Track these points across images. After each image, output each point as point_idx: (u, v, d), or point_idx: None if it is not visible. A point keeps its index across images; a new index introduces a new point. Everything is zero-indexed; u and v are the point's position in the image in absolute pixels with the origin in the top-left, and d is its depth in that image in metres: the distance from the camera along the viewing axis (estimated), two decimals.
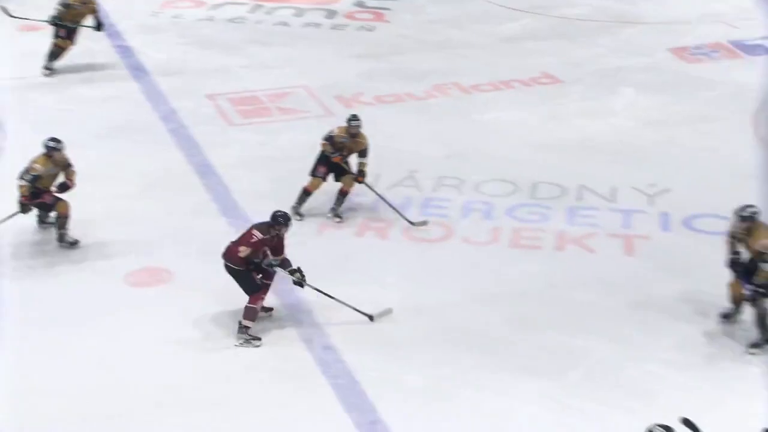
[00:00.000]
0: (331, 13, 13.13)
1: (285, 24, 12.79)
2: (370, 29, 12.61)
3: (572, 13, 12.82)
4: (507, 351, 6.59)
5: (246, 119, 10.13)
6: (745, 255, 6.46)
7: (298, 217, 7.99)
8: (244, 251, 6.60)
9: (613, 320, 6.78)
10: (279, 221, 6.73)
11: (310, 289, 6.81)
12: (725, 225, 7.67)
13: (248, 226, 6.91)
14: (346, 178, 8.12)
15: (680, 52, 11.35)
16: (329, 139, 8.08)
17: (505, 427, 5.92)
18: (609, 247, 7.66)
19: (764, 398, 5.89)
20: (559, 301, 7.02)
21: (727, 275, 6.71)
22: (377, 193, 8.19)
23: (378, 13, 13.14)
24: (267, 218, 6.76)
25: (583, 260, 7.54)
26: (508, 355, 6.54)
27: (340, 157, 8.07)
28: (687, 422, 4.53)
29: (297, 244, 7.14)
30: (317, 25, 12.75)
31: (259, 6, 13.33)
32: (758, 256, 6.20)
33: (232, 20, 12.83)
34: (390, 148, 9.45)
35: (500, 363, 6.46)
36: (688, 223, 7.90)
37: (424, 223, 8.04)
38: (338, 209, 8.18)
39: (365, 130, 9.96)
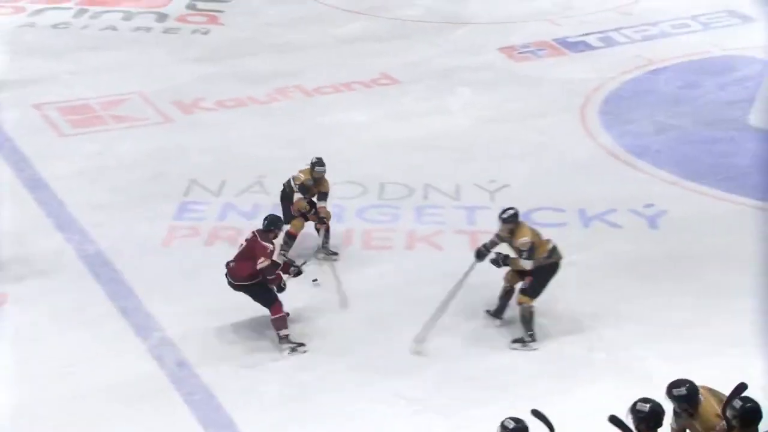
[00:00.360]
0: (162, 17, 12.72)
1: (113, 28, 12.29)
2: (205, 32, 12.33)
3: (407, 15, 13.06)
4: (365, 352, 6.60)
5: (78, 129, 9.63)
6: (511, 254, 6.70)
7: (296, 266, 7.06)
8: (264, 262, 6.41)
9: (464, 316, 6.93)
10: (278, 224, 6.65)
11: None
12: (562, 217, 8.11)
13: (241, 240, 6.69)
14: (296, 221, 7.52)
15: (509, 51, 11.82)
16: (303, 189, 7.52)
17: (364, 428, 5.92)
18: (456, 244, 7.85)
19: (609, 383, 6.19)
20: (413, 300, 7.11)
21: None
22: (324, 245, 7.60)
23: (211, 15, 12.87)
24: (112, 230, 6.44)
25: (432, 258, 7.68)
26: (366, 356, 6.56)
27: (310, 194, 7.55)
28: (537, 413, 4.71)
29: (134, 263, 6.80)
30: (148, 28, 12.32)
31: (84, 10, 12.71)
32: (519, 254, 6.60)
33: (55, 26, 12.20)
34: (235, 153, 9.30)
35: (359, 364, 6.47)
36: (527, 216, 8.15)
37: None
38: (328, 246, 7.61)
39: (208, 135, 9.71)
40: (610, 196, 8.35)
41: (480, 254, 6.81)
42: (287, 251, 7.54)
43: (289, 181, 7.65)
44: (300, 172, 7.62)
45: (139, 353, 6.49)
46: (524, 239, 6.57)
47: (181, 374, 6.31)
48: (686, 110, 10.04)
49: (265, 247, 6.49)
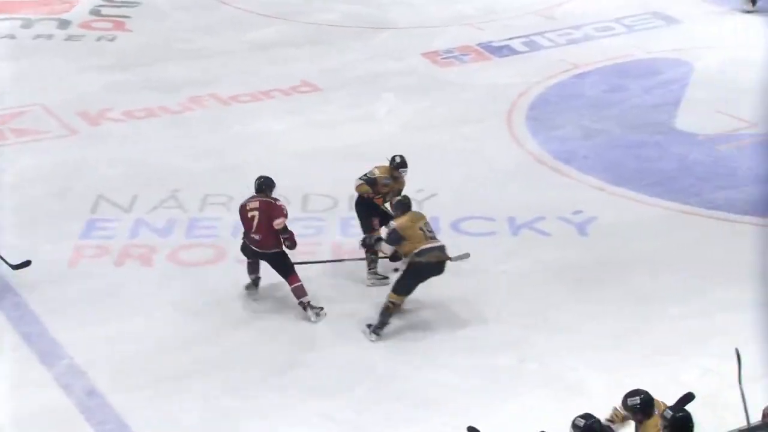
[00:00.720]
0: (64, 23, 12.44)
1: (11, 36, 11.98)
2: (111, 39, 12.11)
3: (324, 19, 13.08)
4: (293, 373, 6.55)
5: None
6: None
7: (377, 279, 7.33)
8: (281, 222, 6.80)
9: (394, 330, 6.94)
10: (273, 183, 6.98)
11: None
12: (491, 226, 8.21)
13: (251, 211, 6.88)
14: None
15: (432, 56, 11.94)
16: (371, 182, 7.42)
17: None
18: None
19: (541, 394, 6.28)
20: (340, 316, 7.09)
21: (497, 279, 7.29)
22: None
23: (118, 21, 12.65)
24: (14, 251, 6.22)
25: (360, 271, 7.66)
26: (293, 377, 6.50)
27: (381, 198, 7.47)
28: (472, 430, 4.77)
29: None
30: (49, 36, 12.04)
31: None
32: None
33: None
34: (146, 166, 9.14)
35: (284, 386, 6.41)
36: (456, 226, 8.29)
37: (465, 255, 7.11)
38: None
39: (116, 148, 9.51)
40: (538, 204, 8.49)
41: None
42: (375, 267, 7.39)
43: (372, 179, 7.39)
44: (375, 167, 7.50)
45: (44, 382, 6.31)
46: (392, 223, 6.77)
47: (91, 403, 6.16)
48: (612, 114, 10.31)
49: (281, 207, 6.91)
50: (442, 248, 6.83)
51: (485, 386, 6.42)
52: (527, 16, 12.98)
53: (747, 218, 8.30)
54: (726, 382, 5.29)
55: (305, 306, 6.96)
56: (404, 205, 6.90)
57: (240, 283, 7.35)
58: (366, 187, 7.44)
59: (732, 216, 8.36)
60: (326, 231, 8.20)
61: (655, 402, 4.96)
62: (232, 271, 7.58)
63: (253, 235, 6.92)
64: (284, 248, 6.92)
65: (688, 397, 4.94)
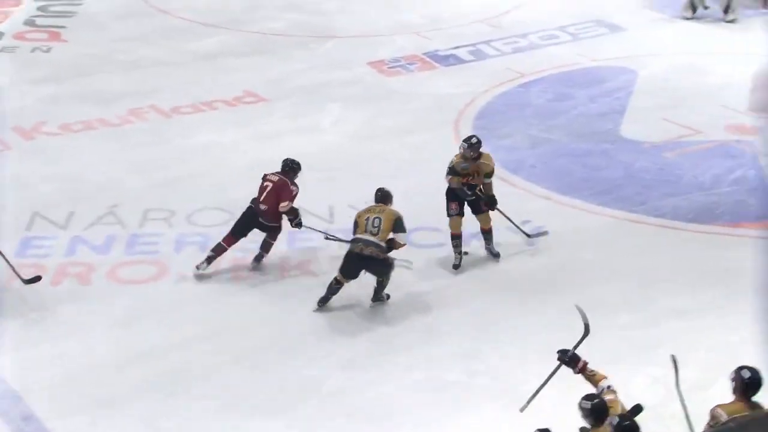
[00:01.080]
0: None
1: None
2: (46, 50, 11.91)
3: (269, 28, 13.04)
4: (235, 392, 6.49)
5: None
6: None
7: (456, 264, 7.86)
8: (286, 206, 7.55)
9: (341, 344, 6.93)
10: (299, 166, 7.74)
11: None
12: (439, 237, 8.25)
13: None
14: (481, 217, 7.92)
15: (378, 65, 11.99)
16: (451, 170, 7.87)
17: None
18: (332, 270, 7.80)
19: (492, 408, 6.33)
20: (285, 332, 7.06)
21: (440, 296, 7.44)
22: (509, 219, 8.10)
23: (53, 32, 12.45)
24: None
25: (308, 286, 7.63)
26: (236, 397, 6.44)
27: (466, 178, 7.84)
28: None
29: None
30: None
31: None
32: None
33: None
34: (84, 181, 9.01)
35: (225, 406, 6.35)
36: (407, 238, 8.30)
37: (544, 233, 8.15)
38: (491, 247, 7.99)
39: (52, 162, 9.33)
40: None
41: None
42: (459, 256, 7.85)
43: (451, 168, 7.84)
44: (454, 155, 7.91)
45: None
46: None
47: (28, 429, 6.04)
48: (559, 123, 10.46)
49: (291, 191, 7.59)
50: (368, 242, 7.14)
51: (436, 400, 6.44)
52: (473, 25, 13.12)
53: (692, 226, 8.49)
54: (674, 392, 5.38)
55: (260, 259, 7.75)
56: (375, 195, 7.45)
57: (184, 302, 7.28)
58: (455, 179, 7.85)
59: (678, 224, 8.54)
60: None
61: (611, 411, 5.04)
62: (174, 288, 7.51)
63: (261, 204, 7.63)
64: (282, 225, 7.71)
65: (637, 409, 5.04)
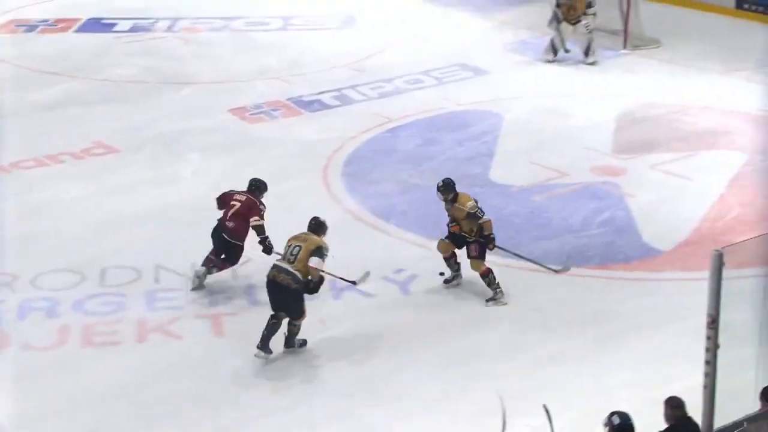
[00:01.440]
0: None
1: None
2: None
3: (120, 75, 12.76)
4: None
5: None
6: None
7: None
8: (258, 221, 7.84)
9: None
10: (265, 185, 8.10)
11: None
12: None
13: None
14: (472, 262, 8.08)
15: (240, 112, 11.89)
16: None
17: None
18: (197, 330, 7.62)
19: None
20: (145, 403, 6.78)
21: None
22: (512, 252, 8.35)
23: None
24: None
25: (170, 349, 7.37)
26: None
27: (457, 226, 8.07)
28: None
29: None
30: None
31: None
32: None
33: None
34: None
35: None
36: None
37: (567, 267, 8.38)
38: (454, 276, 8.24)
39: None
40: (360, 264, 8.52)
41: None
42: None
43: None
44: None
45: None
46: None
47: None
48: (428, 168, 10.60)
49: (260, 209, 7.89)
50: (279, 269, 7.18)
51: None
52: (335, 70, 13.23)
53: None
54: None
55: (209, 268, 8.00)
56: (309, 224, 7.50)
57: (29, 371, 6.89)
58: (455, 226, 8.11)
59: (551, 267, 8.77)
60: (129, 307, 7.86)
61: None
62: (17, 358, 7.11)
63: (227, 222, 7.89)
64: (243, 246, 8.00)
65: None
